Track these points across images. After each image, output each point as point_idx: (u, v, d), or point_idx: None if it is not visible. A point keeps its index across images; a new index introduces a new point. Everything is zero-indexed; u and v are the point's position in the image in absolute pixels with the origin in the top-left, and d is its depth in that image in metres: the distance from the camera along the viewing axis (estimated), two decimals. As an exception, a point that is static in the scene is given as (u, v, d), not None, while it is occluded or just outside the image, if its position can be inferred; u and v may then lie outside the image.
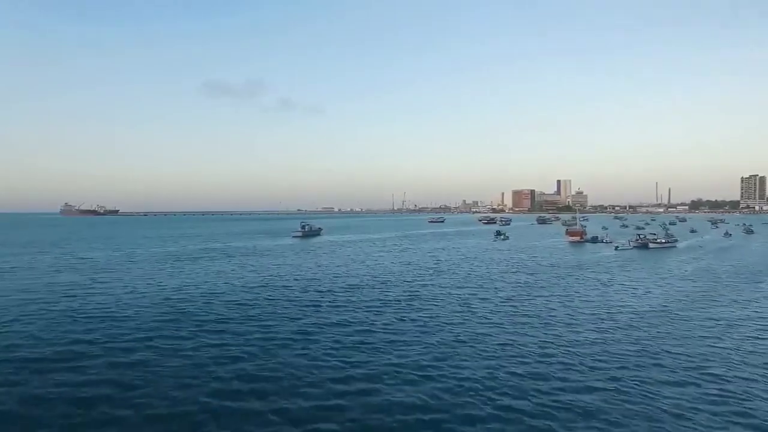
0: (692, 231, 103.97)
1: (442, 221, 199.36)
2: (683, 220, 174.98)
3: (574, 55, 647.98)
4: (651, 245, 64.30)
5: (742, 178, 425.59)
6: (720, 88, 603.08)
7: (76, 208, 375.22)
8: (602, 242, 72.64)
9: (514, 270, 41.98)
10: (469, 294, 30.25)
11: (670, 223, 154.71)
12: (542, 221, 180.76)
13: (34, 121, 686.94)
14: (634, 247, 64.41)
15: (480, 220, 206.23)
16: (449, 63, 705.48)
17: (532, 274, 39.56)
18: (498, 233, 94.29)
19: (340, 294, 30.01)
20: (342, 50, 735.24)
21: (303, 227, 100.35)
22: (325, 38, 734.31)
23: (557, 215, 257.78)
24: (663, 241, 66.62)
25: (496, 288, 32.58)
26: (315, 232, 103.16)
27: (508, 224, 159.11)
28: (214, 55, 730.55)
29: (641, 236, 68.46)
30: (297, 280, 35.75)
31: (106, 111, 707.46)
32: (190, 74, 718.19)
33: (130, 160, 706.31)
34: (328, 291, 30.91)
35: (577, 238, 74.33)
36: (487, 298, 28.89)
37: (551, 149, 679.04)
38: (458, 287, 32.93)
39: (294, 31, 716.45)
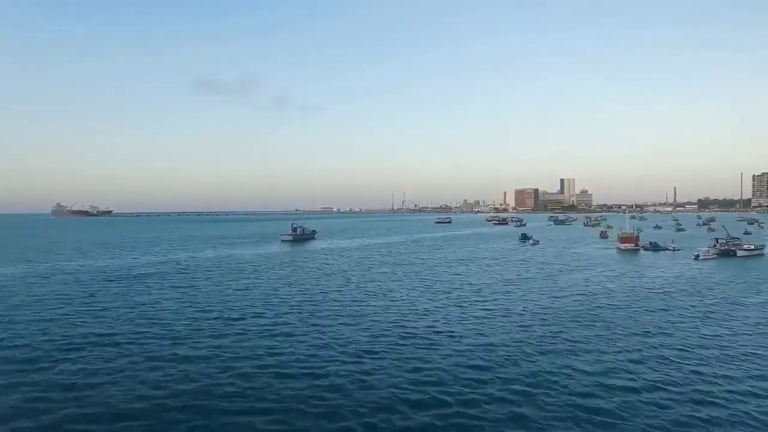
0: (746, 233, 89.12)
1: (449, 222, 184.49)
2: (712, 219, 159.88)
3: (575, 55, 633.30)
4: (739, 253, 49.71)
5: (753, 176, 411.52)
6: (725, 85, 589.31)
7: (68, 208, 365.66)
8: (668, 250, 57.75)
9: (604, 304, 27.12)
10: (570, 369, 15.50)
11: (703, 223, 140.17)
12: (559, 222, 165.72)
13: (28, 121, 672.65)
14: (716, 255, 49.83)
15: (489, 221, 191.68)
16: (450, 62, 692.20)
17: (639, 310, 24.75)
18: (524, 237, 79.64)
19: (329, 376, 15.28)
20: (341, 50, 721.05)
21: (294, 230, 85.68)
22: (323, 38, 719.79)
23: (568, 215, 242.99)
24: (752, 247, 51.92)
25: (611, 351, 17.77)
26: (308, 236, 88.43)
27: (524, 225, 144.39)
28: (209, 54, 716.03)
29: (722, 240, 53.71)
30: (259, 335, 20.92)
31: (99, 111, 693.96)
32: (183, 73, 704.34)
33: (125, 160, 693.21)
34: (306, 375, 16.07)
35: (632, 246, 59.38)
36: (622, 390, 14.11)
37: (552, 148, 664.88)
38: (533, 343, 18.27)
39: (291, 30, 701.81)
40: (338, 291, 31.51)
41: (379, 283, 34.57)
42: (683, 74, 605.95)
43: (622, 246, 60.04)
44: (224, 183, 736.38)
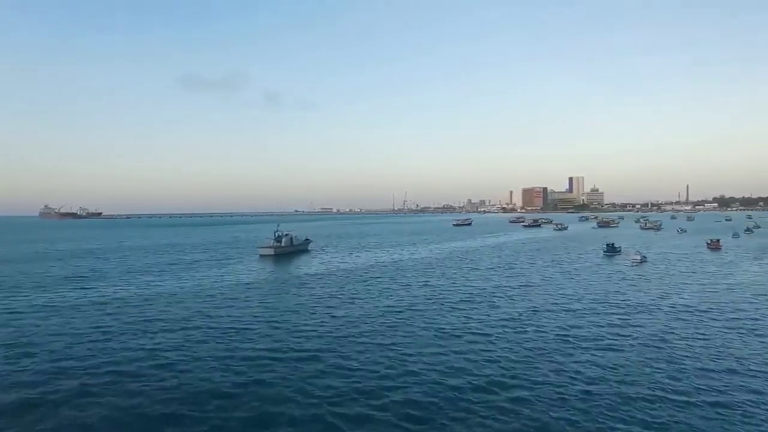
0: None
1: (469, 224, 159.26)
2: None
3: (578, 53, 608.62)
4: None
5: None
6: (732, 83, 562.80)
7: (56, 210, 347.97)
8: None
9: None
10: None
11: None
12: (603, 224, 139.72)
13: (19, 123, 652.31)
14: None
15: (514, 222, 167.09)
16: (452, 62, 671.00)
17: None
18: (612, 249, 54.90)
19: None
20: (340, 50, 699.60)
21: (278, 239, 60.59)
22: (323, 38, 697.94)
23: (597, 216, 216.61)
24: None
25: None
26: (298, 247, 63.49)
27: (565, 228, 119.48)
28: (200, 53, 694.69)
29: None
30: None
31: (91, 111, 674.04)
32: (176, 72, 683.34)
33: (117, 160, 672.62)
34: None
35: None
36: None
37: (558, 147, 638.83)
38: None
39: (289, 30, 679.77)
40: None
41: None
42: (685, 72, 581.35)
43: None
44: (221, 183, 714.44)
